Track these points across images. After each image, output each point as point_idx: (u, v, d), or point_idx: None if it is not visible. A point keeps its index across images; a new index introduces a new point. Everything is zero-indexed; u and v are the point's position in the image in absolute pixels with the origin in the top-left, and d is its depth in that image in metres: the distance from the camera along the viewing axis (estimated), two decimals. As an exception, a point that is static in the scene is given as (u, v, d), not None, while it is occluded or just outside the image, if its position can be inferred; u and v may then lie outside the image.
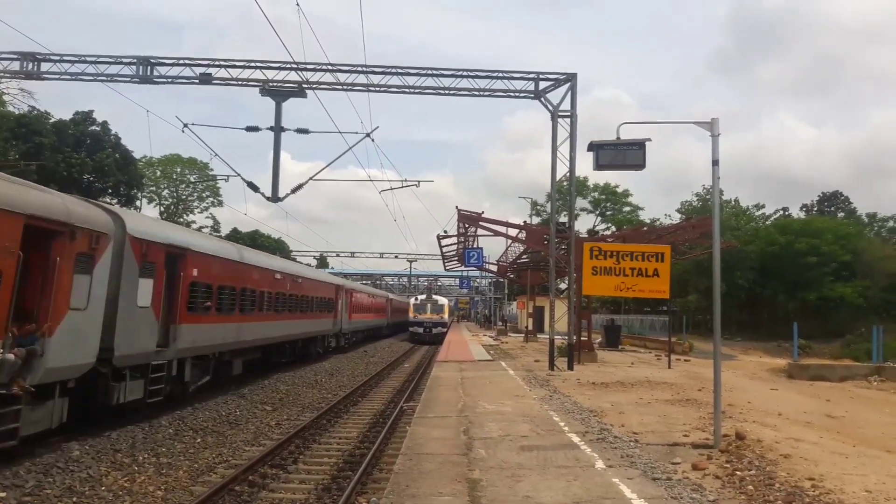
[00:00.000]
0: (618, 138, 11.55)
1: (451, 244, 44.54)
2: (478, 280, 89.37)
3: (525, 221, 42.65)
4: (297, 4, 17.37)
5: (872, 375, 25.98)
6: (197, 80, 22.53)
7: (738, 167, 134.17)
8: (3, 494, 8.68)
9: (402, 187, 30.37)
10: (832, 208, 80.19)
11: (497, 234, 34.13)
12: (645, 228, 50.39)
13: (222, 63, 22.49)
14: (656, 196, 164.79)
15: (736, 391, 17.94)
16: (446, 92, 22.53)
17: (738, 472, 8.42)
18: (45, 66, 22.74)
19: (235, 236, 71.07)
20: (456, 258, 49.52)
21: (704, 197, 64.02)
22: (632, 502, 7.04)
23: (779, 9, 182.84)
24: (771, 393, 19.46)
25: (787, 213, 76.77)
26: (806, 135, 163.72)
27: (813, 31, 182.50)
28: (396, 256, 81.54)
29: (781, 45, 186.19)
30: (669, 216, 70.52)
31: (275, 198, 22.40)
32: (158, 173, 73.31)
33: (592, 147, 12.07)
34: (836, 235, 58.08)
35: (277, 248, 71.68)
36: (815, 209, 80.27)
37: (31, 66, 22.69)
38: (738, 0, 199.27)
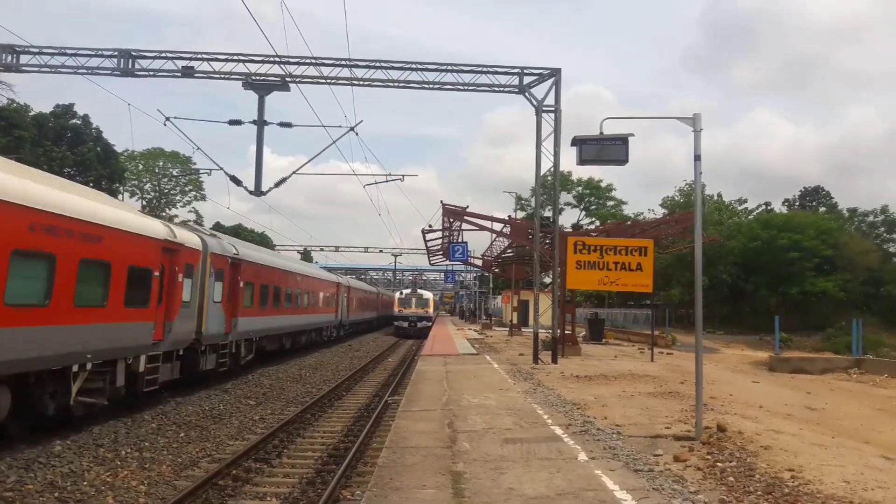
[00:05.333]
0: (601, 133, 11.63)
1: (435, 238, 44.54)
2: (462, 274, 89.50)
3: (509, 216, 42.73)
4: (281, -3, 17.29)
5: (852, 368, 26.31)
6: (179, 74, 22.34)
7: (717, 163, 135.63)
8: (-16, 490, 8.59)
9: (387, 182, 30.30)
10: (813, 203, 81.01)
11: (482, 228, 34.17)
12: (628, 223, 50.75)
13: (205, 56, 22.31)
14: (637, 191, 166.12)
15: (718, 384, 18.10)
16: (430, 86, 22.50)
17: (719, 464, 8.50)
18: (24, 59, 22.46)
19: (218, 230, 70.66)
20: (441, 252, 49.51)
21: (687, 192, 64.42)
22: (614, 494, 7.10)
23: (752, 8, 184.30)
24: (752, 385, 19.67)
25: (769, 207, 77.53)
26: (784, 131, 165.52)
27: (786, 30, 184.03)
28: (381, 251, 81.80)
29: (756, 44, 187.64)
30: (653, 210, 71.02)
31: (258, 192, 22.30)
32: (140, 167, 72.88)
33: (576, 142, 12.12)
34: (818, 230, 58.66)
35: (261, 241, 71.40)
36: (797, 204, 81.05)
37: (9, 58, 22.40)
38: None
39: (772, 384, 20.74)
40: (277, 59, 21.81)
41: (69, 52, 22.26)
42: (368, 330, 56.87)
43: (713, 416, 11.76)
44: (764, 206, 77.68)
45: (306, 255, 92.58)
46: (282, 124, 23.22)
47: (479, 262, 54.13)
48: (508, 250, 43.25)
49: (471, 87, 22.53)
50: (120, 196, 55.05)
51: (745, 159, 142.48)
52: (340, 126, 23.34)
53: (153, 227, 14.59)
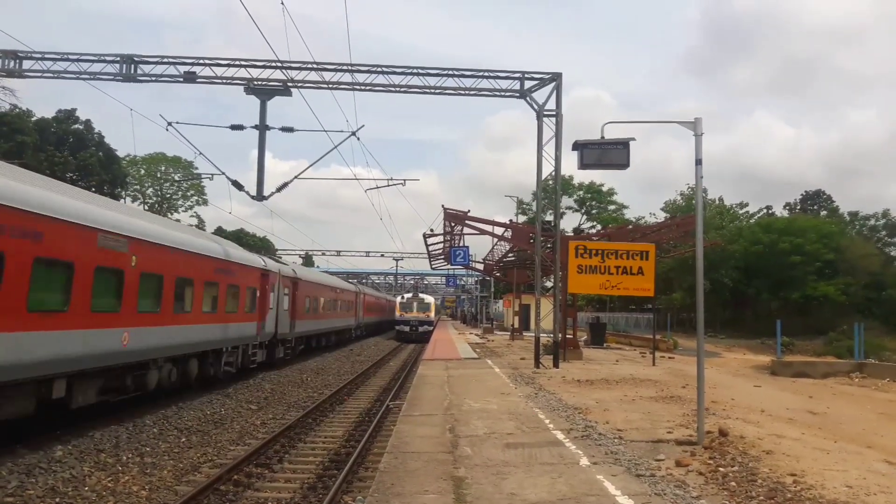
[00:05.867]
0: (602, 137, 11.63)
1: (437, 243, 44.54)
2: (464, 278, 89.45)
3: (510, 220, 42.75)
4: (282, 3, 17.32)
5: (854, 372, 26.24)
6: (181, 79, 22.39)
7: (718, 166, 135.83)
8: (-15, 495, 8.55)
9: (388, 186, 30.29)
10: (815, 207, 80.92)
11: (483, 232, 34.16)
12: (630, 227, 50.63)
13: (207, 62, 22.36)
14: (636, 194, 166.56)
15: (720, 388, 18.07)
16: (432, 91, 22.53)
17: (720, 469, 8.49)
18: (26, 64, 22.52)
19: (220, 234, 70.84)
20: (442, 257, 49.47)
21: (689, 196, 64.36)
22: (616, 499, 7.09)
23: (751, 11, 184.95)
24: (754, 390, 19.64)
25: (770, 211, 77.43)
26: (784, 134, 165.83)
27: (785, 33, 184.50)
28: (382, 255, 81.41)
29: (755, 47, 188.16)
30: (654, 214, 71.03)
31: (259, 196, 22.31)
32: (142, 172, 73.02)
33: (577, 146, 12.12)
34: (819, 234, 58.57)
35: (262, 246, 71.46)
36: (798, 208, 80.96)
37: (12, 63, 22.47)
38: (711, 2, 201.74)
39: (774, 388, 20.71)
40: (279, 64, 21.85)
41: (71, 57, 22.32)
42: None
43: (715, 420, 11.75)
44: (765, 210, 77.64)
45: (307, 260, 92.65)
46: (284, 129, 23.27)
47: (481, 267, 54.15)
48: (510, 254, 43.23)
49: (472, 92, 22.55)
50: (122, 201, 55.03)
51: (745, 162, 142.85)
52: (342, 131, 23.46)
53: None
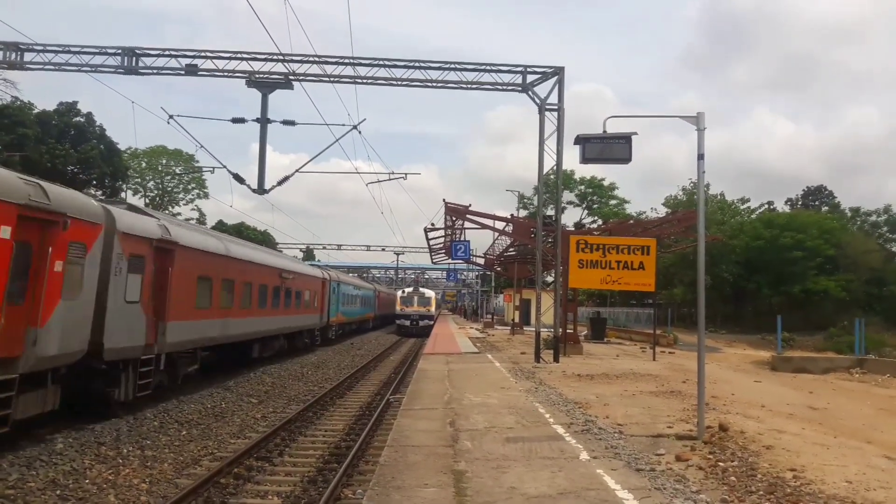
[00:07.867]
0: (604, 132, 11.59)
1: (438, 237, 44.50)
2: (465, 273, 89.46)
3: (512, 214, 42.70)
4: (284, -5, 17.28)
5: (854, 367, 26.29)
6: (183, 72, 22.35)
7: (718, 162, 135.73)
8: (-14, 487, 8.57)
9: (389, 180, 30.30)
10: (816, 202, 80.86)
11: (484, 226, 34.14)
12: (631, 222, 50.69)
13: (208, 54, 22.32)
14: (637, 189, 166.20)
15: (720, 383, 18.07)
16: (434, 84, 22.46)
17: (720, 463, 8.49)
18: (28, 56, 22.48)
19: (221, 228, 70.83)
20: (443, 251, 49.46)
21: (690, 191, 64.29)
22: (616, 493, 7.08)
23: (750, 7, 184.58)
24: (754, 385, 19.64)
25: (771, 207, 77.38)
26: (784, 130, 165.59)
27: (785, 30, 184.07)
28: (383, 249, 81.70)
29: (755, 43, 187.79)
30: (655, 210, 70.94)
31: (261, 190, 22.29)
32: (143, 165, 73.00)
33: (579, 140, 12.08)
34: (821, 230, 58.54)
35: (263, 239, 71.47)
36: (800, 203, 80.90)
37: (13, 55, 22.42)
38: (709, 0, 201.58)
39: (774, 383, 20.72)
40: (281, 58, 21.81)
41: (73, 49, 22.27)
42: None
43: (715, 415, 11.74)
44: (767, 206, 77.61)
45: (308, 254, 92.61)
46: (285, 122, 23.22)
47: (482, 261, 54.14)
48: (511, 249, 43.24)
49: (474, 86, 22.49)
50: (123, 194, 55.01)
51: (746, 158, 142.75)
52: (343, 124, 23.37)
53: None
